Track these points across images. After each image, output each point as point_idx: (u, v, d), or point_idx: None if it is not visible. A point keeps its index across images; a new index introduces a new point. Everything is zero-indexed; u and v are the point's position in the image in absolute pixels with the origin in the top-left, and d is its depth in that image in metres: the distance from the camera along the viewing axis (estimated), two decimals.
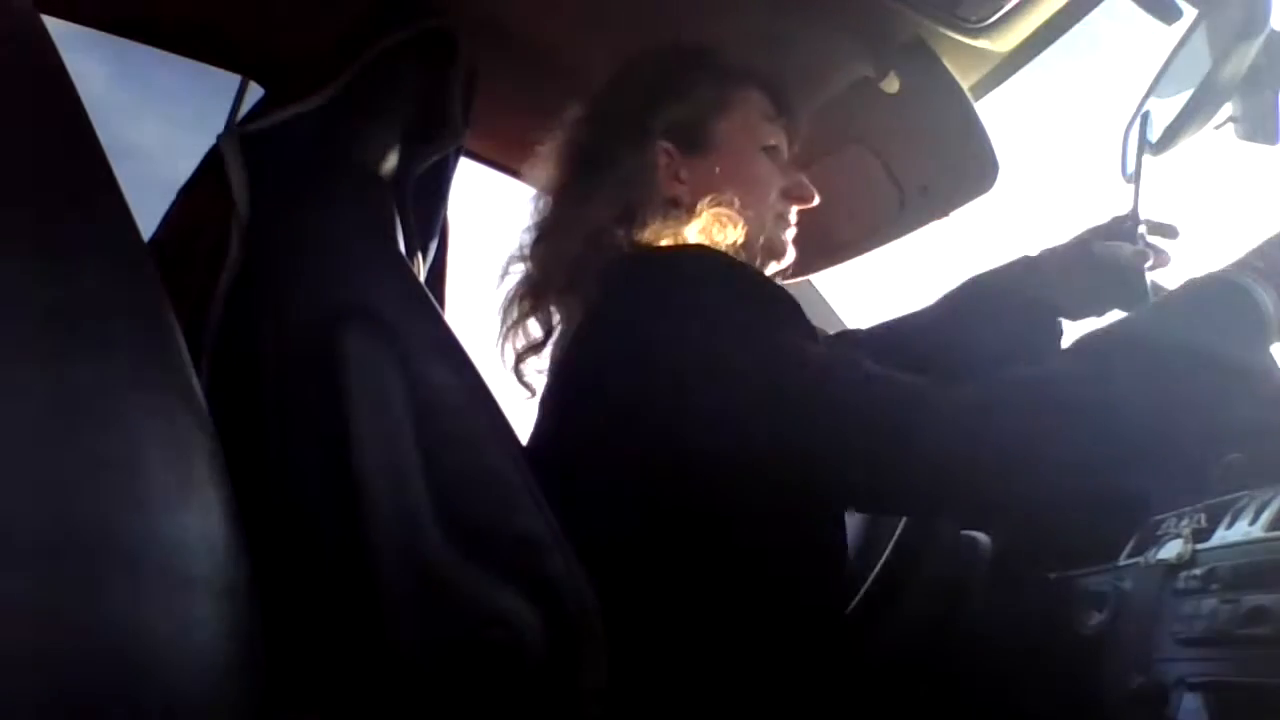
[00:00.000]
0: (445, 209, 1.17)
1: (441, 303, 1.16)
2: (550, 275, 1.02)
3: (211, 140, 0.94)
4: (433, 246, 1.16)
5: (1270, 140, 0.99)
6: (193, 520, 0.43)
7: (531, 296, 1.05)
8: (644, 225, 0.96)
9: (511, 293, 1.08)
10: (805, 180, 1.10)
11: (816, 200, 1.10)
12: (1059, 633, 0.89)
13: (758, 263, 1.06)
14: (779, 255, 1.09)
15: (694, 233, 0.96)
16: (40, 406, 0.39)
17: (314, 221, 0.92)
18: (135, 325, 0.45)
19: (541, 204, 1.10)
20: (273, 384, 0.86)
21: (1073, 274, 1.08)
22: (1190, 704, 0.69)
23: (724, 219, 0.98)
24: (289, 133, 0.97)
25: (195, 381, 0.48)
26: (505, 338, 1.08)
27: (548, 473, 0.86)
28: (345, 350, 0.85)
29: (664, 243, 0.95)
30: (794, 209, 1.10)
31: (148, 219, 0.97)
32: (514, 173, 1.51)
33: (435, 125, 1.09)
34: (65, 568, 0.38)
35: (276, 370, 0.86)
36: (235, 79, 1.21)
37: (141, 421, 0.43)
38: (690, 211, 0.98)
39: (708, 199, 0.98)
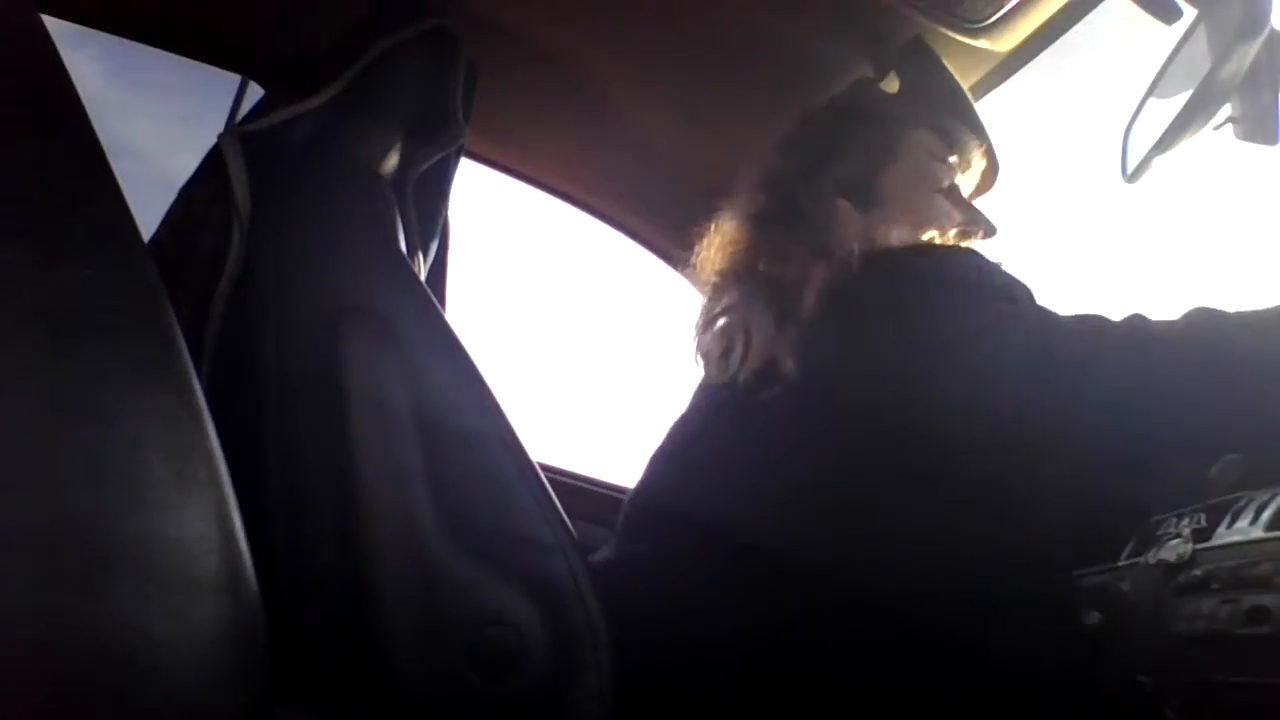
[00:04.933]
0: (446, 209, 1.17)
1: (442, 302, 1.16)
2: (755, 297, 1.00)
3: (211, 139, 0.94)
4: (433, 246, 1.16)
5: (1270, 140, 0.99)
6: (193, 520, 0.43)
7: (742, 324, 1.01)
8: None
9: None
10: (982, 214, 1.07)
11: (996, 233, 1.07)
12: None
13: None
14: None
15: None
16: (39, 406, 0.39)
17: (314, 221, 0.92)
18: (135, 325, 0.45)
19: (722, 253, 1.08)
20: (273, 384, 0.86)
21: None
22: (1190, 704, 0.69)
23: None
24: (289, 132, 0.97)
25: (195, 381, 0.48)
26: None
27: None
28: (345, 350, 0.85)
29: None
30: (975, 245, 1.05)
31: (148, 219, 0.97)
32: (514, 173, 1.51)
33: (436, 125, 1.09)
34: (65, 568, 0.38)
35: (276, 370, 0.86)
36: (235, 79, 1.21)
37: (141, 421, 0.43)
38: None
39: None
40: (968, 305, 0.87)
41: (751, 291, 1.01)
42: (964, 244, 1.04)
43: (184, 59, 1.19)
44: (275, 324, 0.87)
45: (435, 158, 1.10)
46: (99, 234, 0.45)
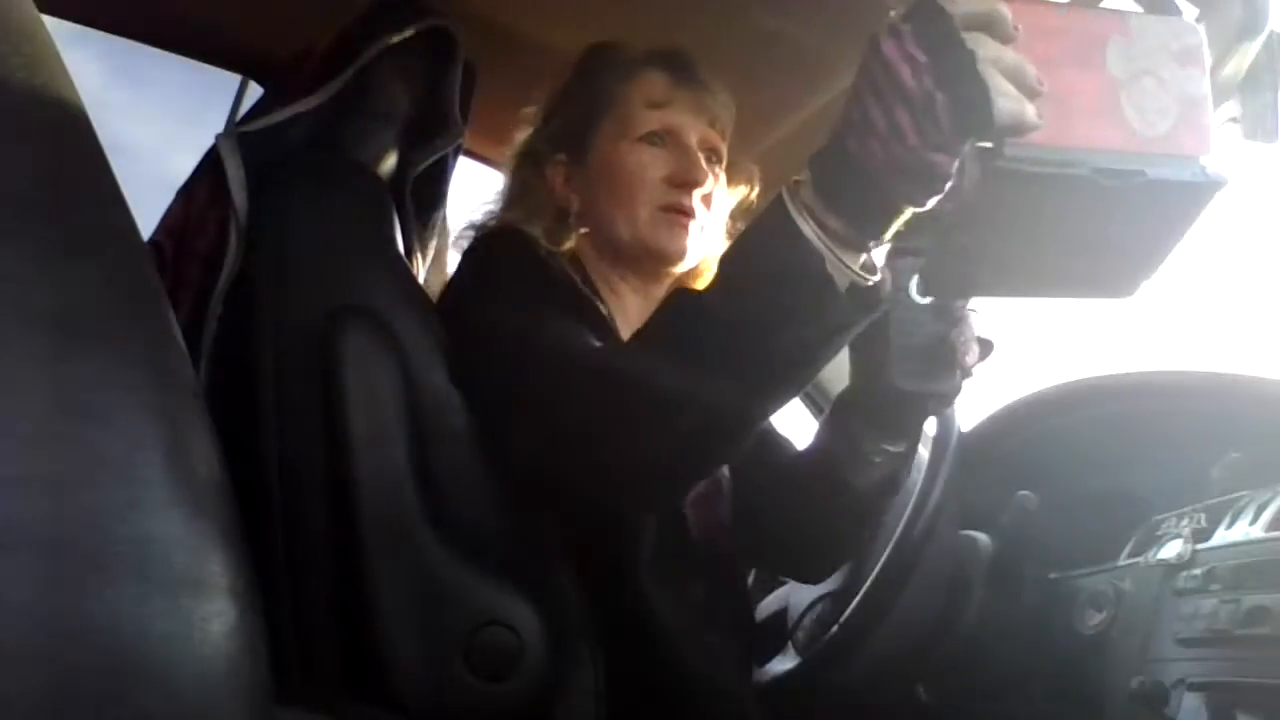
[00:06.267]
0: (445, 208, 1.17)
1: None
2: None
3: (211, 139, 0.94)
4: (432, 246, 1.16)
5: (1270, 140, 0.99)
6: (192, 520, 0.43)
7: None
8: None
9: None
10: (693, 162, 0.98)
11: (707, 183, 0.99)
12: (1059, 633, 0.89)
13: (641, 265, 1.01)
14: (660, 255, 0.99)
15: (575, 241, 0.99)
16: (39, 406, 0.39)
17: (313, 221, 0.92)
18: (135, 325, 0.45)
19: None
20: (271, 383, 0.86)
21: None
22: (1190, 704, 0.69)
23: (588, 225, 1.00)
24: (288, 132, 0.97)
25: (195, 381, 0.48)
26: None
27: None
28: (343, 350, 0.85)
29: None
30: (691, 196, 0.98)
31: (148, 219, 0.97)
32: None
33: (434, 125, 1.09)
34: (64, 568, 0.38)
35: (274, 370, 0.86)
36: (235, 79, 1.21)
37: (141, 421, 0.43)
38: (578, 219, 1.00)
39: (582, 205, 1.01)
40: (493, 301, 0.89)
41: None
42: (672, 204, 0.98)
43: (184, 59, 1.18)
44: (273, 324, 0.87)
45: (434, 157, 1.10)
46: (99, 234, 0.45)
